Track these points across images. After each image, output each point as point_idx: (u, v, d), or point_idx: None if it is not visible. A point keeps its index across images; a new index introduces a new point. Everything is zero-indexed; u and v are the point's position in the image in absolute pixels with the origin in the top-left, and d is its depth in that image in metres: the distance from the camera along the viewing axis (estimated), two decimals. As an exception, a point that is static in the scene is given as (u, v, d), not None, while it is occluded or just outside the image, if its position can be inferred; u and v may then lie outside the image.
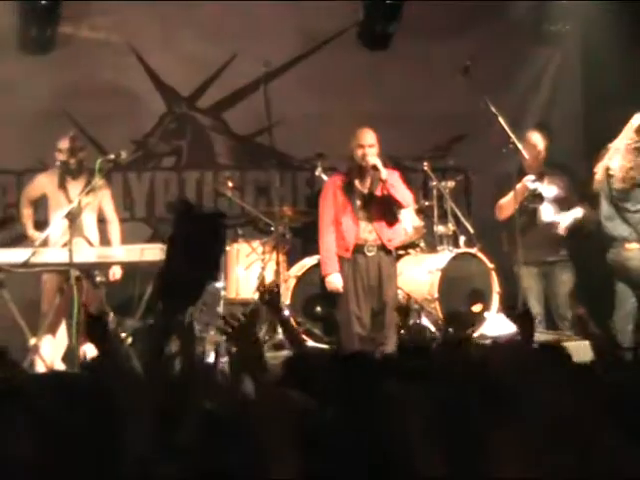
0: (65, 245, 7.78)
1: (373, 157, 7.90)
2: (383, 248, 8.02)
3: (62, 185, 8.26)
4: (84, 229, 8.14)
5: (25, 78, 9.02)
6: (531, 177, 8.58)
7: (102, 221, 8.43)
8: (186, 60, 9.55)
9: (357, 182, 8.01)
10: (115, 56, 9.37)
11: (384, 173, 7.90)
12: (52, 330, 7.97)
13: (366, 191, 8.01)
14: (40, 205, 8.48)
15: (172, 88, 9.72)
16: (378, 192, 8.00)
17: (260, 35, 9.55)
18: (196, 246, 2.99)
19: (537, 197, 8.60)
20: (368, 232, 7.98)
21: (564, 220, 8.71)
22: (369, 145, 7.94)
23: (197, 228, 2.98)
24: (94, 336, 3.72)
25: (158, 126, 9.74)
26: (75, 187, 8.22)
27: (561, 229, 8.69)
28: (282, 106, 8.77)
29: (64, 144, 8.23)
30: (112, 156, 8.12)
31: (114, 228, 8.38)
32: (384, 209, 8.04)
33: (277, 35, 9.63)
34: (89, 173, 8.23)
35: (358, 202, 8.02)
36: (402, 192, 8.04)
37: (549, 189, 8.73)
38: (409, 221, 8.74)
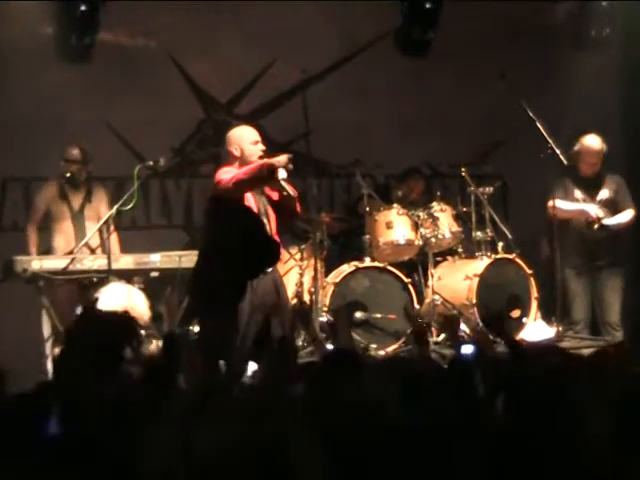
0: (69, 254, 7.86)
1: None
2: None
3: (63, 195, 8.30)
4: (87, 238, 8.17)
5: (64, 86, 9.06)
6: (596, 207, 8.48)
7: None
8: (225, 66, 9.57)
9: None
10: (153, 63, 9.40)
11: None
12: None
13: None
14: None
15: (210, 95, 9.76)
16: None
17: (298, 42, 9.56)
18: (231, 246, 2.97)
19: (603, 227, 8.50)
20: None
21: (609, 222, 8.60)
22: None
23: (231, 227, 2.96)
24: None
25: (196, 133, 9.78)
26: (76, 197, 8.29)
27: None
28: (319, 113, 8.76)
29: (76, 154, 8.26)
30: (150, 163, 8.16)
31: (112, 237, 8.21)
32: None
33: (315, 42, 9.62)
34: (89, 183, 8.39)
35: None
36: None
37: (602, 192, 8.63)
38: None
